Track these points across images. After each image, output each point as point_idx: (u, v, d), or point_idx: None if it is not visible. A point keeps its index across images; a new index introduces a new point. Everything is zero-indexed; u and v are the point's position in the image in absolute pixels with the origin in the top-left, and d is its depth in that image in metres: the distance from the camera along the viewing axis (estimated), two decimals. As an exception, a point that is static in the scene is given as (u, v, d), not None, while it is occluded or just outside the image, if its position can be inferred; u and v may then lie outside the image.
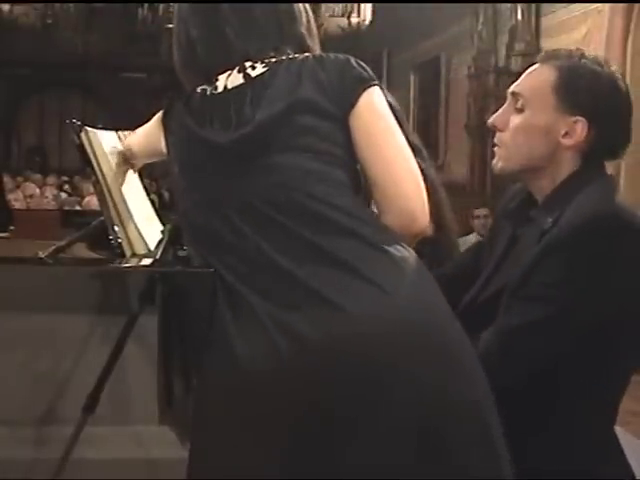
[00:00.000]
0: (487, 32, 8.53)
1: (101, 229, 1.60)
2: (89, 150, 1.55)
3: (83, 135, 1.55)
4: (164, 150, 1.46)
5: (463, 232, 5.14)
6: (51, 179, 12.53)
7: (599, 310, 1.42)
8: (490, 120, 1.59)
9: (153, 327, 1.51)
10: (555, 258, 1.42)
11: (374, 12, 10.54)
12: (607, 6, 6.32)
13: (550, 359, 1.43)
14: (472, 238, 5.61)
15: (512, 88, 1.58)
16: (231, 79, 1.40)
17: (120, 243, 1.53)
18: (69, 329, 1.59)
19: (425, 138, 8.92)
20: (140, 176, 1.78)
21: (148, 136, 1.54)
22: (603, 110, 1.53)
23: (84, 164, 1.56)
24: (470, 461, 1.25)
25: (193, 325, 1.45)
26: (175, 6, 1.55)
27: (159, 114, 1.48)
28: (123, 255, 1.53)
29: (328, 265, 1.26)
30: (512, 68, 7.78)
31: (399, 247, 1.31)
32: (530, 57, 7.55)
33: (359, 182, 1.39)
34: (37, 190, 10.23)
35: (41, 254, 1.53)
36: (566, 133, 1.52)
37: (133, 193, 1.65)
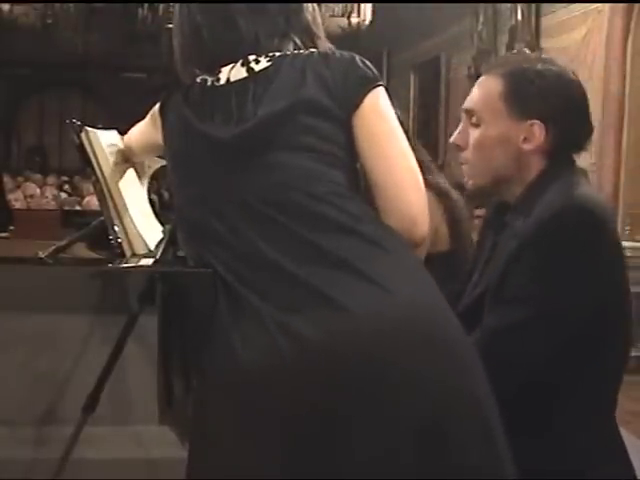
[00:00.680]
0: (487, 32, 8.53)
1: (101, 229, 1.60)
2: (89, 150, 1.55)
3: (83, 135, 1.54)
4: (162, 143, 1.44)
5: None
6: (51, 179, 12.53)
7: (577, 304, 1.42)
8: (451, 140, 1.61)
9: (153, 327, 1.51)
10: (526, 257, 1.43)
11: (374, 12, 10.52)
12: (607, 6, 6.31)
13: (535, 359, 1.44)
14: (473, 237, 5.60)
15: (464, 105, 1.59)
16: (234, 72, 1.38)
17: (120, 243, 1.53)
18: (69, 329, 1.59)
19: (425, 138, 8.93)
20: (153, 179, 1.77)
21: (145, 132, 1.53)
22: (556, 108, 1.54)
23: (84, 164, 1.56)
24: (471, 459, 1.24)
25: (193, 325, 1.45)
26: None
27: (155, 107, 1.46)
28: (123, 255, 1.53)
29: (328, 264, 1.26)
30: (512, 68, 7.78)
31: (399, 245, 1.31)
32: (530, 57, 7.56)
33: (359, 183, 1.39)
34: (37, 190, 10.23)
35: (41, 254, 1.53)
36: (525, 138, 1.54)
37: (133, 193, 1.64)
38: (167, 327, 1.52)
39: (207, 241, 1.35)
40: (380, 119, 1.36)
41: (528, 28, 7.65)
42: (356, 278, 1.25)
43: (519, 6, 7.70)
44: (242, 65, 1.38)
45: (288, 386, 1.22)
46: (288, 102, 1.32)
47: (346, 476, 1.21)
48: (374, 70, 1.38)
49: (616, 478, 1.52)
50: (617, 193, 6.18)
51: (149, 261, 1.53)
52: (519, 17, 7.72)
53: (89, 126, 1.58)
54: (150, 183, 1.77)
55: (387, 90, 1.39)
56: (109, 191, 1.55)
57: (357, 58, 1.37)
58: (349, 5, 9.89)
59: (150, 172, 1.75)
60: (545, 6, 7.53)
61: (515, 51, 1.68)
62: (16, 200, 8.89)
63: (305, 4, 1.45)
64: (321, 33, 1.46)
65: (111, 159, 1.58)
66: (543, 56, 1.64)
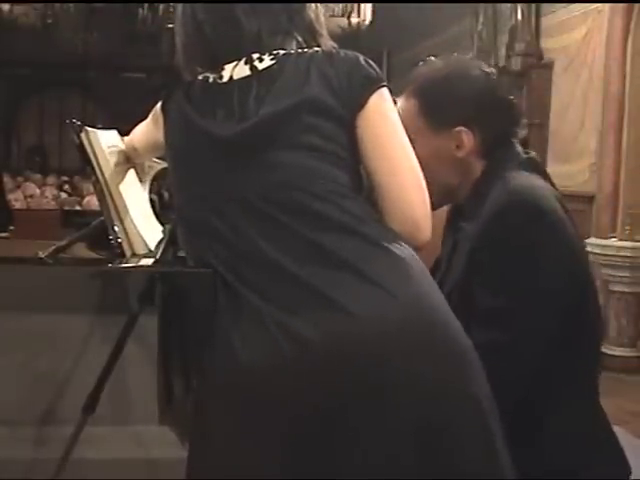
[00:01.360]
0: (487, 32, 8.53)
1: (101, 229, 1.60)
2: (89, 150, 1.54)
3: (83, 135, 1.54)
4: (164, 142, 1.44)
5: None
6: (51, 179, 12.52)
7: (540, 300, 1.43)
8: None
9: (153, 327, 1.51)
10: (482, 264, 1.45)
11: (374, 12, 10.52)
12: (607, 6, 6.31)
13: (516, 370, 1.45)
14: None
15: None
16: (237, 70, 1.37)
17: (120, 243, 1.53)
18: (69, 329, 1.59)
19: (425, 138, 8.90)
20: (154, 180, 1.77)
21: (148, 131, 1.52)
22: (473, 109, 1.55)
23: (84, 164, 1.56)
24: (472, 460, 1.24)
25: (193, 325, 1.45)
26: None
27: (157, 105, 1.46)
28: (123, 255, 1.53)
29: (330, 265, 1.26)
30: (512, 68, 7.79)
31: (400, 246, 1.31)
32: (530, 57, 7.57)
33: (361, 184, 1.39)
34: (37, 190, 10.23)
35: (41, 254, 1.52)
36: (456, 146, 1.55)
37: (133, 193, 1.64)
38: (167, 327, 1.52)
39: (207, 240, 1.34)
40: (384, 120, 1.35)
41: (528, 28, 7.65)
42: (357, 279, 1.25)
43: (519, 6, 7.70)
44: (245, 63, 1.37)
45: (288, 386, 1.22)
46: (291, 101, 1.32)
47: (346, 477, 1.21)
48: (378, 70, 1.37)
49: (610, 477, 1.52)
50: (617, 193, 6.19)
51: (149, 261, 1.53)
52: (519, 17, 7.72)
53: (89, 126, 1.58)
54: (151, 184, 1.77)
55: (390, 90, 1.39)
56: (109, 191, 1.54)
57: (361, 58, 1.37)
58: (349, 5, 9.88)
59: (152, 173, 1.75)
60: (545, 6, 7.52)
61: (421, 63, 1.69)
62: (16, 200, 8.89)
63: (309, 2, 1.45)
64: (324, 31, 1.46)
65: (111, 159, 1.58)
66: (450, 59, 1.65)
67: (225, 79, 1.37)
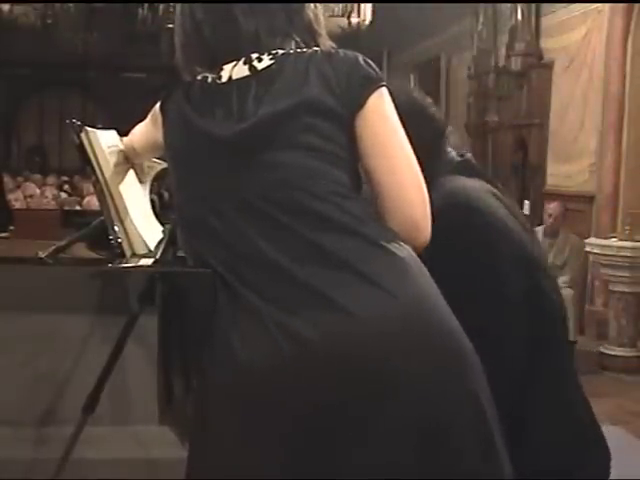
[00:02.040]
0: (487, 32, 8.53)
1: (101, 229, 1.60)
2: (89, 150, 1.54)
3: (83, 135, 1.54)
4: (163, 142, 1.44)
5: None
6: (51, 179, 12.52)
7: (491, 305, 1.43)
8: None
9: (153, 327, 1.51)
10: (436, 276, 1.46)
11: (374, 12, 10.52)
12: (607, 6, 6.32)
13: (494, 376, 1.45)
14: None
15: None
16: (236, 70, 1.37)
17: (120, 243, 1.53)
18: (69, 329, 1.59)
19: (425, 138, 8.90)
20: (154, 180, 1.77)
21: (147, 131, 1.52)
22: None
23: (84, 164, 1.56)
24: (471, 460, 1.25)
25: (193, 325, 1.45)
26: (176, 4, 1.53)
27: (156, 105, 1.46)
28: (123, 255, 1.53)
29: (329, 265, 1.26)
30: (512, 68, 7.79)
31: (400, 246, 1.31)
32: (530, 57, 7.57)
33: (360, 183, 1.38)
34: (37, 190, 10.23)
35: (41, 254, 1.52)
36: None
37: (133, 193, 1.64)
38: (167, 327, 1.52)
39: (207, 240, 1.34)
40: (383, 120, 1.35)
41: (528, 28, 7.65)
42: (357, 280, 1.25)
43: (519, 6, 7.70)
44: (244, 63, 1.37)
45: (288, 386, 1.22)
46: (291, 101, 1.32)
47: (346, 477, 1.21)
48: (377, 70, 1.37)
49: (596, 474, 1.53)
50: (617, 193, 6.19)
51: (149, 261, 1.53)
52: (519, 17, 7.72)
53: (89, 126, 1.58)
54: (151, 184, 1.77)
55: (389, 90, 1.38)
56: (109, 191, 1.54)
57: (360, 58, 1.37)
58: (349, 5, 9.88)
59: (152, 173, 1.75)
60: (545, 6, 7.53)
61: None
62: (16, 200, 8.89)
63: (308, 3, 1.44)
64: (323, 31, 1.45)
65: (111, 159, 1.58)
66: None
67: (224, 79, 1.37)
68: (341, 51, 1.38)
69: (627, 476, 2.46)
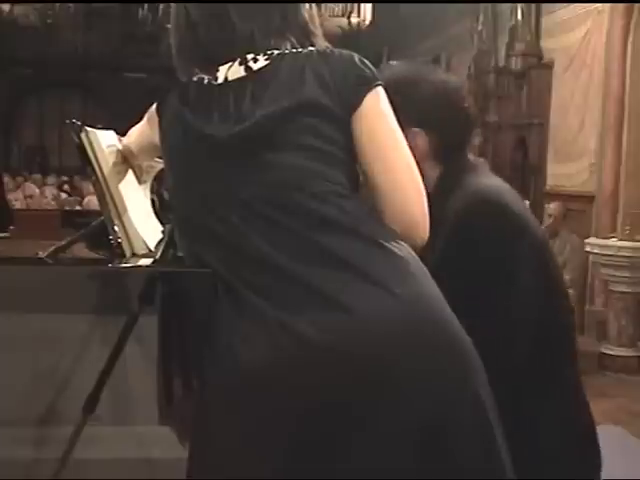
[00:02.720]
0: (487, 32, 8.54)
1: (101, 229, 1.60)
2: (89, 150, 1.54)
3: (83, 135, 1.54)
4: (159, 144, 1.44)
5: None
6: (51, 179, 12.54)
7: (514, 307, 1.44)
8: None
9: (153, 327, 1.51)
10: (455, 265, 1.47)
11: (374, 12, 10.53)
12: (607, 6, 6.32)
13: (496, 370, 1.45)
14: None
15: None
16: (232, 71, 1.37)
17: (120, 243, 1.53)
18: (69, 329, 1.59)
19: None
20: (154, 180, 1.77)
21: (143, 132, 1.52)
22: (429, 111, 1.57)
23: (84, 164, 1.56)
24: (472, 459, 1.25)
25: (193, 325, 1.45)
26: None
27: (152, 107, 1.46)
28: (123, 255, 1.53)
29: (330, 265, 1.26)
30: (512, 68, 7.79)
31: (399, 245, 1.31)
32: (530, 57, 7.57)
33: (358, 183, 1.38)
34: (37, 190, 10.25)
35: (41, 254, 1.52)
36: (410, 148, 1.56)
37: (133, 193, 1.64)
38: (167, 327, 1.52)
39: (206, 241, 1.34)
40: (380, 119, 1.35)
41: (528, 28, 7.66)
42: (358, 279, 1.25)
43: (519, 6, 7.71)
44: (240, 64, 1.37)
45: (289, 386, 1.22)
46: (287, 102, 1.32)
47: (347, 476, 1.21)
48: (373, 69, 1.37)
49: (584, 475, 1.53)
50: (617, 193, 6.19)
51: (149, 261, 1.53)
52: (519, 17, 7.72)
53: (89, 126, 1.58)
54: (151, 184, 1.77)
55: (386, 90, 1.38)
56: (109, 191, 1.54)
57: (356, 57, 1.37)
58: (349, 5, 9.89)
59: (154, 173, 1.75)
60: (545, 6, 7.53)
61: (383, 65, 1.71)
62: (16, 200, 8.90)
63: (303, 3, 1.44)
64: (319, 32, 1.45)
65: (111, 159, 1.58)
66: (411, 64, 1.67)
67: (220, 80, 1.37)
68: (337, 51, 1.38)
69: (627, 476, 2.45)
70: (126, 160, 1.63)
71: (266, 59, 1.36)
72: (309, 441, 1.21)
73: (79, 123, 1.55)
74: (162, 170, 1.70)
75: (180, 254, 1.50)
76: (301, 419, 1.22)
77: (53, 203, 9.44)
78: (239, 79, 1.36)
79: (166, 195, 1.75)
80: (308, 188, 1.30)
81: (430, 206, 1.56)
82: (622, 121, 6.15)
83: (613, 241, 5.69)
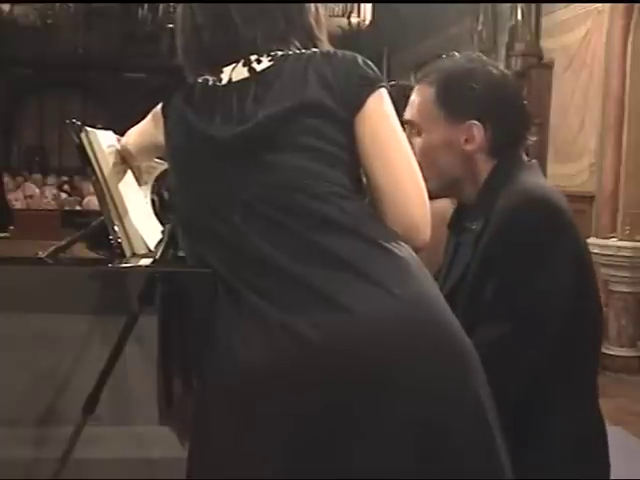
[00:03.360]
0: (487, 32, 8.53)
1: (101, 229, 1.60)
2: (89, 150, 1.54)
3: (83, 135, 1.54)
4: (162, 144, 1.44)
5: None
6: (51, 179, 12.54)
7: (554, 300, 1.45)
8: None
9: (153, 327, 1.51)
10: (497, 266, 1.47)
11: (374, 12, 10.54)
12: (607, 6, 6.32)
13: (524, 368, 1.45)
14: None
15: (404, 117, 1.62)
16: (236, 72, 1.37)
17: (120, 243, 1.53)
18: (69, 329, 1.59)
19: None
20: (156, 180, 1.77)
21: (146, 132, 1.52)
22: (489, 106, 1.57)
23: (84, 164, 1.56)
24: (472, 460, 1.25)
25: (193, 325, 1.45)
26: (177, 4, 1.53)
27: (157, 107, 1.46)
28: (123, 255, 1.53)
29: (331, 265, 1.26)
30: (512, 68, 7.79)
31: (400, 246, 1.31)
32: (530, 57, 7.57)
33: (360, 184, 1.38)
34: (37, 190, 10.25)
35: (41, 254, 1.52)
36: (466, 140, 1.56)
37: (133, 193, 1.64)
38: (167, 327, 1.52)
39: (207, 241, 1.34)
40: (382, 120, 1.35)
41: (528, 28, 7.65)
42: (358, 279, 1.25)
43: (519, 6, 7.70)
44: (244, 65, 1.37)
45: (289, 387, 1.22)
46: (290, 103, 1.32)
47: (347, 477, 1.21)
48: (376, 71, 1.37)
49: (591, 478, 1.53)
50: (617, 193, 6.19)
51: (149, 261, 1.53)
52: (519, 17, 7.72)
53: (89, 126, 1.58)
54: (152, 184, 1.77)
55: (389, 91, 1.38)
56: (109, 191, 1.54)
57: (359, 59, 1.37)
58: (349, 5, 9.90)
59: (155, 173, 1.75)
60: (545, 6, 7.53)
61: (444, 56, 1.71)
62: (16, 200, 8.91)
63: (308, 6, 1.44)
64: (324, 36, 1.45)
65: (111, 159, 1.58)
66: (472, 55, 1.68)
67: (224, 81, 1.38)
68: (340, 52, 1.38)
69: (627, 476, 2.45)
70: (126, 160, 1.63)
71: (269, 60, 1.36)
72: (309, 441, 1.21)
73: (79, 123, 1.55)
74: (165, 170, 1.70)
75: (180, 254, 1.50)
76: (301, 419, 1.22)
77: (53, 203, 9.45)
78: (243, 80, 1.36)
79: (166, 195, 1.75)
80: (310, 189, 1.30)
81: (479, 200, 1.57)
82: (622, 121, 6.15)
83: (613, 241, 5.69)
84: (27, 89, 17.00)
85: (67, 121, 1.56)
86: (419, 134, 1.60)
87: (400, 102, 1.54)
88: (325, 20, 1.48)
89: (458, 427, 1.24)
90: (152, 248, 1.59)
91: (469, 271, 1.53)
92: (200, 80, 1.40)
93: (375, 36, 10.95)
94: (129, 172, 1.65)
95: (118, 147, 1.61)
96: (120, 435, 1.65)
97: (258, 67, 1.37)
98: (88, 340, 1.60)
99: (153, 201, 1.79)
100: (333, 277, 1.25)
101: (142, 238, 1.58)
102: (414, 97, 1.62)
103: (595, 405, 1.57)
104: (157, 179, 1.77)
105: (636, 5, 6.07)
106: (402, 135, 1.36)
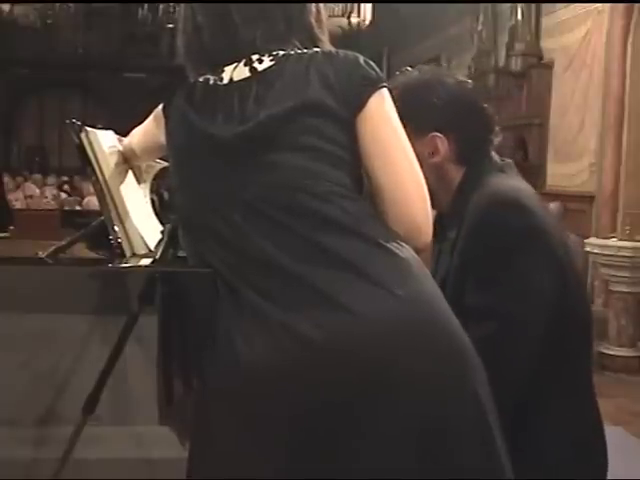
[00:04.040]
0: (487, 32, 8.54)
1: (101, 229, 1.60)
2: (89, 150, 1.54)
3: (83, 135, 1.54)
4: (165, 144, 1.44)
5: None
6: (51, 179, 12.55)
7: (533, 300, 1.45)
8: None
9: (153, 327, 1.51)
10: (471, 265, 1.48)
11: (374, 12, 10.54)
12: (607, 6, 6.32)
13: (511, 367, 1.45)
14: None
15: None
16: (237, 71, 1.37)
17: (120, 243, 1.53)
18: (69, 329, 1.59)
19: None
20: (154, 179, 1.77)
21: (148, 132, 1.52)
22: (448, 114, 1.59)
23: (84, 164, 1.56)
24: (472, 459, 1.25)
25: (193, 325, 1.45)
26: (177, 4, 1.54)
27: (159, 107, 1.46)
28: (123, 255, 1.53)
29: (332, 265, 1.26)
30: (512, 68, 7.80)
31: (401, 246, 1.31)
32: (530, 57, 7.58)
33: (362, 184, 1.38)
34: (37, 190, 10.26)
35: (41, 254, 1.52)
36: (431, 153, 1.56)
37: (133, 193, 1.64)
38: (167, 327, 1.52)
39: (209, 241, 1.34)
40: (384, 121, 1.35)
41: (528, 28, 7.66)
42: (359, 279, 1.25)
43: (519, 6, 7.71)
44: (245, 65, 1.37)
45: (290, 386, 1.22)
46: (292, 103, 1.32)
47: (348, 476, 1.21)
48: (378, 70, 1.37)
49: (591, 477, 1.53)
50: (617, 193, 6.19)
51: (149, 261, 1.53)
52: (519, 17, 7.73)
53: (89, 126, 1.58)
54: (151, 183, 1.77)
55: (390, 91, 1.38)
56: (109, 191, 1.54)
57: (361, 58, 1.37)
58: (349, 5, 9.90)
59: (153, 172, 1.75)
60: (545, 6, 7.53)
61: (398, 72, 1.72)
62: (16, 200, 8.91)
63: (309, 6, 1.44)
64: (325, 37, 1.45)
65: (111, 159, 1.58)
66: (425, 68, 1.69)
67: (225, 81, 1.38)
68: (342, 52, 1.38)
69: (627, 476, 2.45)
70: (126, 160, 1.63)
71: (271, 60, 1.36)
72: (310, 441, 1.21)
73: (79, 123, 1.55)
74: (162, 170, 1.70)
75: (180, 254, 1.50)
76: (302, 419, 1.22)
77: (53, 203, 9.45)
78: (244, 80, 1.36)
79: (166, 195, 1.75)
80: (311, 189, 1.30)
81: (453, 207, 1.57)
82: (622, 121, 6.15)
83: (613, 241, 5.69)
84: (27, 89, 17.00)
85: (67, 121, 1.56)
86: None
87: None
88: (326, 20, 1.48)
89: (458, 426, 1.24)
90: (152, 248, 1.59)
91: (448, 278, 1.54)
92: (201, 80, 1.40)
93: (375, 36, 10.95)
94: (129, 172, 1.65)
95: (119, 147, 1.62)
96: (120, 435, 1.65)
97: (259, 67, 1.36)
98: (88, 340, 1.60)
99: (153, 201, 1.79)
100: (334, 277, 1.25)
101: (142, 238, 1.58)
102: None
103: (591, 404, 1.57)
104: (155, 177, 1.77)
105: (636, 5, 6.08)
106: (403, 135, 1.36)
